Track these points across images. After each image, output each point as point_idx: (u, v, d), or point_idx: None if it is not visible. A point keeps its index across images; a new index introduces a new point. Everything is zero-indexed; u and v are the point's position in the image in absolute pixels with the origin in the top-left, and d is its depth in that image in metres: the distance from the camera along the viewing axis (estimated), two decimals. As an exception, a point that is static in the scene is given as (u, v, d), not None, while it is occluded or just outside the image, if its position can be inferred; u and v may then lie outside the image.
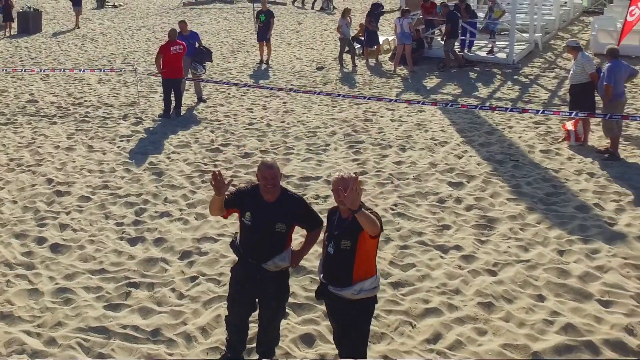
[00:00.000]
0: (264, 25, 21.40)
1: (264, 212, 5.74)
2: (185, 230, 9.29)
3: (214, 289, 7.70)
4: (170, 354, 6.50)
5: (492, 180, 10.92)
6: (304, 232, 6.16)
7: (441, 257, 8.41)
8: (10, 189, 10.94)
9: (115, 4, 42.93)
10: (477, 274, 7.95)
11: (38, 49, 25.57)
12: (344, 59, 21.18)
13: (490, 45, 21.73)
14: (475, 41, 22.02)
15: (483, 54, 21.53)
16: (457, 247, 8.62)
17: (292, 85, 18.35)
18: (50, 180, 11.21)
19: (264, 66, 21.31)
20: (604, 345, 6.42)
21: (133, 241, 8.98)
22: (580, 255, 8.34)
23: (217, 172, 5.63)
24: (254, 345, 6.35)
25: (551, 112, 13.66)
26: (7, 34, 29.43)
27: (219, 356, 6.40)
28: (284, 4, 42.52)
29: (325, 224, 5.80)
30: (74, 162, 12.18)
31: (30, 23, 30.66)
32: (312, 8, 39.59)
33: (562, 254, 8.40)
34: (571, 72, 13.01)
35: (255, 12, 23.45)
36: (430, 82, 18.71)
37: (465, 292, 7.53)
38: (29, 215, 9.84)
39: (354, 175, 5.30)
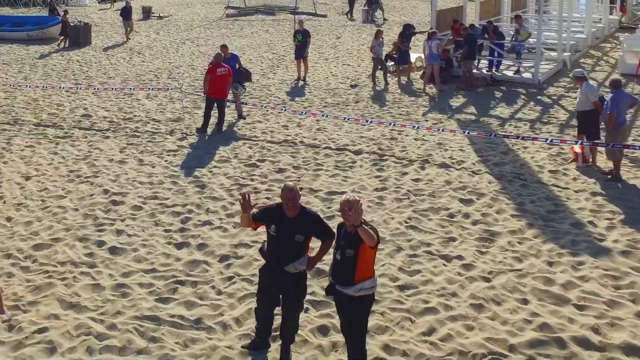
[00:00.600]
0: (301, 44, 22.81)
1: (286, 226, 7.10)
2: (224, 237, 10.70)
3: (247, 287, 9.10)
4: (210, 338, 7.91)
5: (499, 197, 12.14)
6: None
7: (444, 265, 9.68)
8: (72, 197, 12.50)
9: (161, 15, 44.76)
10: (474, 280, 9.21)
11: (89, 62, 27.38)
12: (377, 77, 22.51)
13: (517, 66, 22.86)
14: (502, 61, 23.19)
15: (510, 73, 22.67)
16: (460, 257, 9.88)
17: (325, 103, 19.71)
18: (106, 191, 12.75)
19: (300, 83, 22.71)
20: (571, 341, 7.64)
21: (179, 246, 10.44)
22: (567, 266, 9.54)
23: (246, 195, 7.02)
24: (278, 333, 7.71)
25: (559, 141, 14.77)
26: (62, 46, 31.37)
27: (249, 341, 7.78)
28: (325, 16, 43.98)
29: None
30: (126, 174, 13.72)
31: (81, 36, 32.50)
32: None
33: (551, 265, 9.61)
34: (577, 99, 14.16)
35: (293, 32, 24.90)
36: (457, 101, 19.90)
37: (461, 295, 8.80)
38: (89, 222, 11.37)
39: (357, 198, 6.62)
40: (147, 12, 44.28)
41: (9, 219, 11.52)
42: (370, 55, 22.95)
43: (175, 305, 8.67)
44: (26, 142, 16.06)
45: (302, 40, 22.82)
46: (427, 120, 17.58)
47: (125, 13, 33.83)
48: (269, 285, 7.39)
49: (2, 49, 30.25)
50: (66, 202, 12.29)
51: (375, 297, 7.31)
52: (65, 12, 33.70)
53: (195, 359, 7.54)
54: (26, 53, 29.77)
